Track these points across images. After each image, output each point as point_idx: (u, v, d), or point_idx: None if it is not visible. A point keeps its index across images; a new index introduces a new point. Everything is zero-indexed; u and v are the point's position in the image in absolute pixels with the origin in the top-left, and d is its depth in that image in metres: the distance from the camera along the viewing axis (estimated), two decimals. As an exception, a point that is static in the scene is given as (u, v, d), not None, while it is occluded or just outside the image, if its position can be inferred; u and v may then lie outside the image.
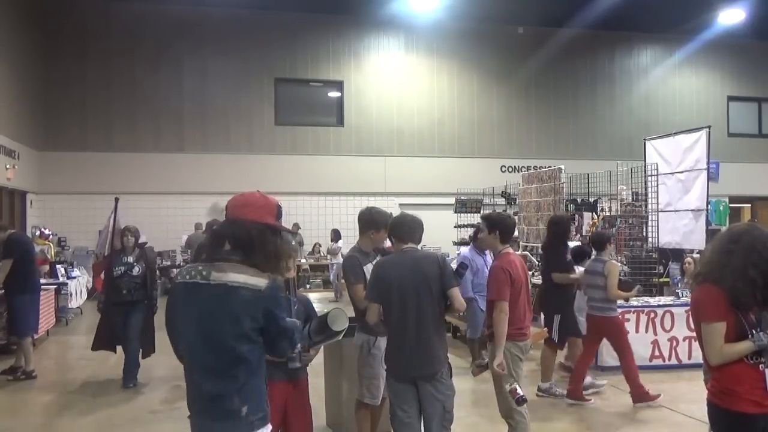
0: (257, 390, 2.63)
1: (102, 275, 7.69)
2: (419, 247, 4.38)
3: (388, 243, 4.93)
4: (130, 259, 7.31)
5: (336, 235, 15.69)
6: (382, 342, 4.75)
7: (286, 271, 3.91)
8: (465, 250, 8.29)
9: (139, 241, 7.48)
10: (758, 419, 2.90)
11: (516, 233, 13.62)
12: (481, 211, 14.78)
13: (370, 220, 4.87)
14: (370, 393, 4.78)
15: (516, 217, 13.81)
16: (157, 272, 7.88)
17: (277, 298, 2.63)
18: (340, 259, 15.68)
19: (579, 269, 7.30)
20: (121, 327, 7.31)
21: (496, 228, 4.85)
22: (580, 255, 7.76)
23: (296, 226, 16.07)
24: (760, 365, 2.92)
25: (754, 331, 2.90)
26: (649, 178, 10.75)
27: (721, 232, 3.20)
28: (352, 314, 4.67)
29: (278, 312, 2.62)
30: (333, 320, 2.97)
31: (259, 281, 2.58)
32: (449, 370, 4.14)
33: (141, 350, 7.42)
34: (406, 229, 4.25)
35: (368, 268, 4.84)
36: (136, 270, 7.30)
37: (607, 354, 7.88)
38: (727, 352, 2.92)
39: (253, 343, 2.59)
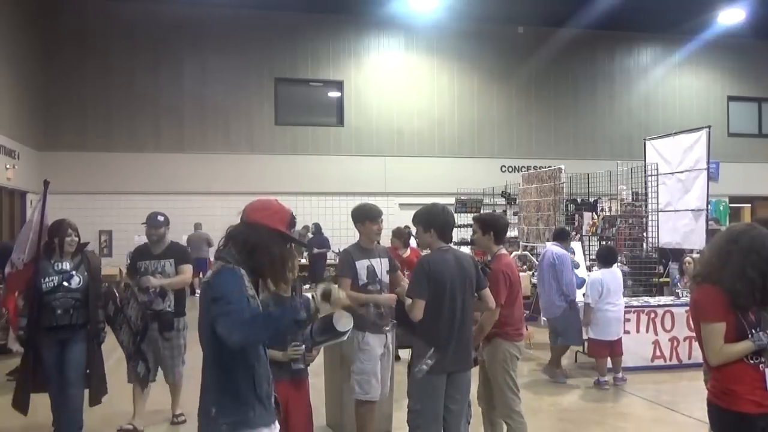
0: (231, 393, 2.56)
1: (18, 292, 5.66)
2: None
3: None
4: (67, 266, 5.14)
5: None
6: (371, 338, 4.80)
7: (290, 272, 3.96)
8: (557, 249, 7.92)
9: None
10: (758, 419, 2.90)
11: (515, 233, 13.68)
12: (482, 211, 14.80)
13: (354, 215, 5.04)
14: (362, 388, 4.81)
15: (516, 217, 13.82)
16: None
17: (217, 282, 2.53)
18: None
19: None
20: (54, 364, 5.09)
21: (491, 229, 4.85)
22: (607, 258, 7.68)
23: (306, 228, 15.88)
24: (761, 365, 2.92)
25: (753, 331, 2.91)
26: (649, 178, 10.75)
27: (720, 233, 3.20)
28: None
29: (214, 294, 2.50)
30: (337, 320, 2.97)
31: (212, 271, 2.59)
32: None
33: (88, 394, 5.29)
34: (451, 230, 4.28)
35: (363, 264, 4.87)
36: (76, 281, 5.11)
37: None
38: (727, 352, 2.92)
39: (216, 339, 2.52)
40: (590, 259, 10.78)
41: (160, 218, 6.02)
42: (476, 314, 4.76)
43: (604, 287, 7.32)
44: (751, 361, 2.92)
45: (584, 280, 8.79)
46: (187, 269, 5.91)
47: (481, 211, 14.80)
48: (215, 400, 2.56)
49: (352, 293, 4.72)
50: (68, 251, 5.22)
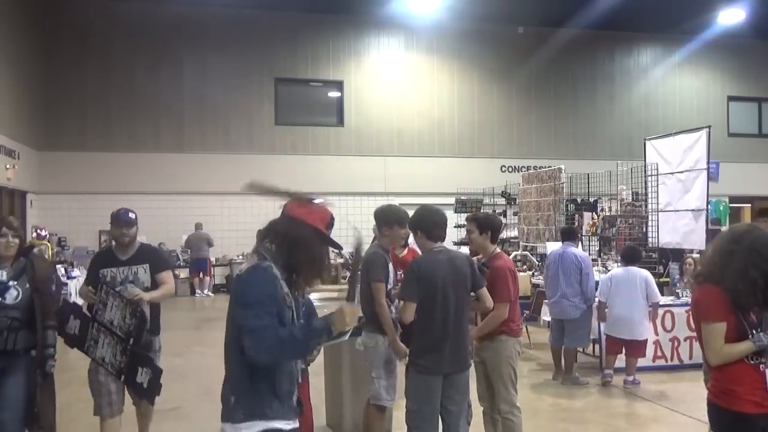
0: (250, 388, 2.60)
1: None
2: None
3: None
4: (3, 276, 4.15)
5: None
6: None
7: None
8: (578, 251, 7.87)
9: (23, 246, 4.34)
10: (758, 419, 2.90)
11: (515, 233, 13.68)
12: (482, 211, 14.79)
13: (381, 217, 4.86)
14: (389, 394, 4.73)
15: (516, 217, 13.83)
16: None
17: (249, 282, 2.57)
18: None
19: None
20: None
21: (488, 229, 4.87)
22: (632, 257, 7.68)
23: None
24: (761, 365, 2.92)
25: (754, 332, 2.91)
26: (649, 178, 10.74)
27: (722, 233, 3.20)
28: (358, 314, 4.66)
29: (244, 298, 2.54)
30: None
31: (245, 265, 2.64)
32: None
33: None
34: (439, 229, 4.23)
35: (390, 267, 4.81)
36: (12, 295, 4.12)
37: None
38: (727, 352, 2.92)
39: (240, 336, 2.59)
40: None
41: (132, 215, 4.75)
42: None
43: (612, 284, 7.41)
44: (752, 362, 2.92)
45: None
46: (169, 278, 4.81)
47: (482, 211, 14.82)
48: (235, 390, 2.62)
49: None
50: (4, 256, 4.17)
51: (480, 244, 4.94)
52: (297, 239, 2.68)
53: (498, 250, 4.92)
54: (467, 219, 5.12)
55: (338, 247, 2.99)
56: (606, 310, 7.43)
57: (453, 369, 4.08)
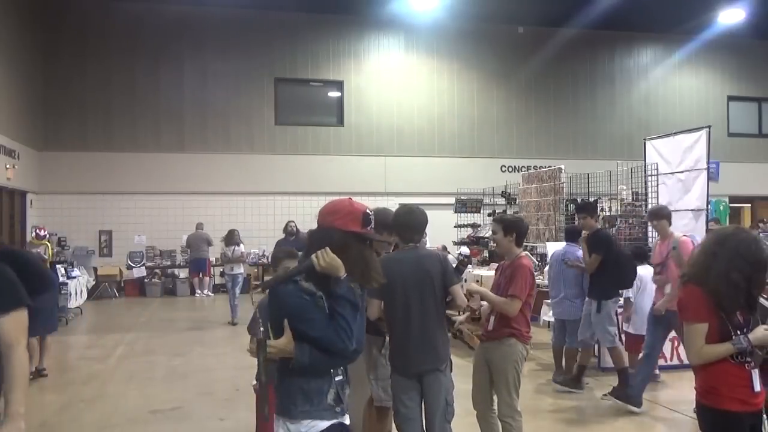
0: (293, 390, 2.63)
1: None
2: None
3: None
4: None
5: (234, 239, 12.37)
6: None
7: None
8: (581, 251, 7.81)
9: None
10: (744, 417, 2.93)
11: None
12: (481, 211, 14.80)
13: (379, 220, 4.87)
14: (388, 394, 4.73)
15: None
16: None
17: (288, 307, 2.61)
18: (242, 270, 12.59)
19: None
20: None
21: (513, 231, 4.80)
22: (640, 256, 7.77)
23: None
24: (746, 365, 2.94)
25: (738, 332, 2.92)
26: (649, 178, 10.74)
27: (709, 234, 3.21)
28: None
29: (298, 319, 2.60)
30: None
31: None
32: (450, 365, 4.23)
33: None
34: (410, 226, 4.24)
35: None
36: None
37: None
38: (707, 353, 2.94)
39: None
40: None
41: None
42: (486, 307, 4.71)
43: (642, 282, 7.52)
44: (736, 360, 2.93)
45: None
46: (16, 334, 2.83)
47: (481, 211, 14.83)
48: (285, 395, 2.65)
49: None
50: None
51: (505, 246, 4.88)
52: (330, 247, 2.64)
53: (524, 252, 4.88)
54: (493, 219, 5.08)
55: (379, 239, 2.89)
56: (637, 308, 7.53)
57: (423, 368, 4.09)
